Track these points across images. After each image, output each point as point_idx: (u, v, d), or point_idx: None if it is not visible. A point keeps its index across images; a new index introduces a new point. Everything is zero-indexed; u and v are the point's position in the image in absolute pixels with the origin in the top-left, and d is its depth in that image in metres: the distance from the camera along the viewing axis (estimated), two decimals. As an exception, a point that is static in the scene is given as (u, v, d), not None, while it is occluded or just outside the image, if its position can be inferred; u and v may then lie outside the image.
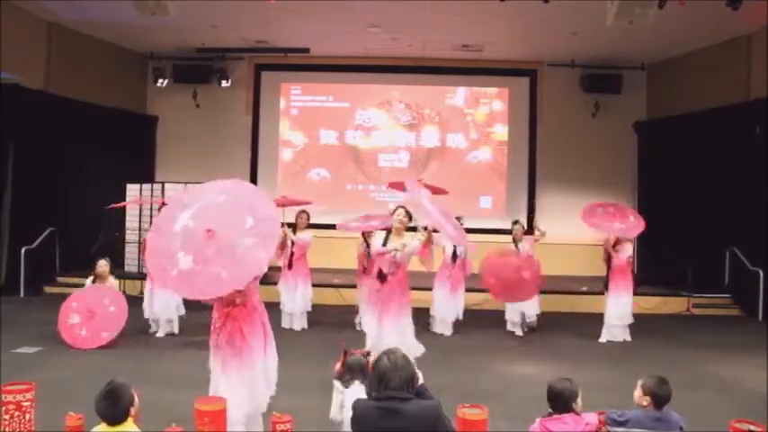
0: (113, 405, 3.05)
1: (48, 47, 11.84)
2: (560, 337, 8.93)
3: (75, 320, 7.75)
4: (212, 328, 4.53)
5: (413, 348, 6.13)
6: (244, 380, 4.38)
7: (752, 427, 3.90)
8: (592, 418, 3.50)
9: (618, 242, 8.86)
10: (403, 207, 6.56)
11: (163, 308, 8.51)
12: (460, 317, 9.18)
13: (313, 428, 4.82)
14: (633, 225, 8.65)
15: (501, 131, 14.60)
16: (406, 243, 6.21)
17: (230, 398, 4.26)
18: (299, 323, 9.17)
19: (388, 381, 2.92)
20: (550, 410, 3.48)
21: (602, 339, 8.81)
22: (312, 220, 9.48)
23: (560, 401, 3.45)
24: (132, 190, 12.30)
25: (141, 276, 11.59)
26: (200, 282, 3.84)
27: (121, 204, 10.61)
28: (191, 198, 4.34)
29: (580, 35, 11.86)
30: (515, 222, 9.48)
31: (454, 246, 8.97)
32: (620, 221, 8.54)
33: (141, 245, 11.22)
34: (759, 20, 10.11)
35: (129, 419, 3.12)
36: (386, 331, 6.11)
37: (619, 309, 8.76)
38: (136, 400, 3.16)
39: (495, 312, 9.72)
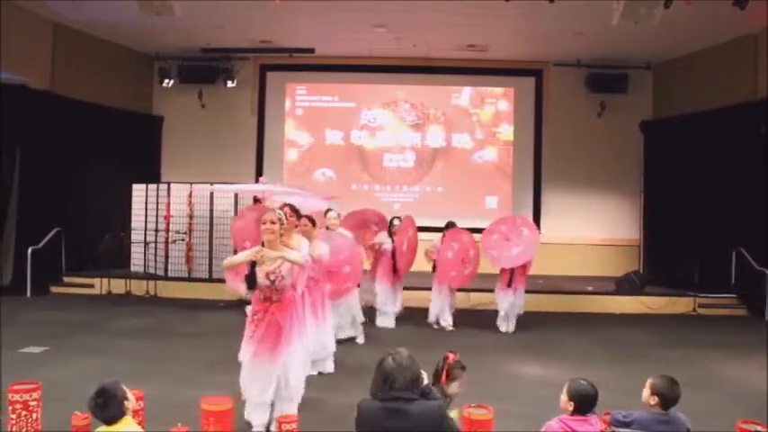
0: (105, 404, 3.06)
1: (53, 48, 11.87)
2: (565, 337, 8.90)
3: None
4: (250, 319, 4.80)
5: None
6: (273, 371, 4.68)
7: (758, 428, 3.89)
8: None
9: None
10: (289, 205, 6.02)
11: None
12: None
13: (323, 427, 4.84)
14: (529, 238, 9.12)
15: (506, 131, 14.58)
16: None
17: (255, 386, 4.68)
18: None
19: (393, 381, 2.92)
20: (572, 411, 3.44)
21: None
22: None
23: (588, 403, 3.42)
24: (138, 190, 12.34)
25: (147, 276, 11.66)
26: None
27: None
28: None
29: (586, 35, 11.83)
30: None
31: None
32: (516, 242, 9.05)
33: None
34: (765, 20, 10.07)
35: (128, 417, 3.13)
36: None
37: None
38: (130, 395, 3.16)
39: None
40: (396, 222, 9.43)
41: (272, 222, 4.68)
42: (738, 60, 11.55)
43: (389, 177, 14.68)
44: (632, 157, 13.95)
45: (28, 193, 11.22)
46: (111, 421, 3.08)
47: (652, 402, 3.58)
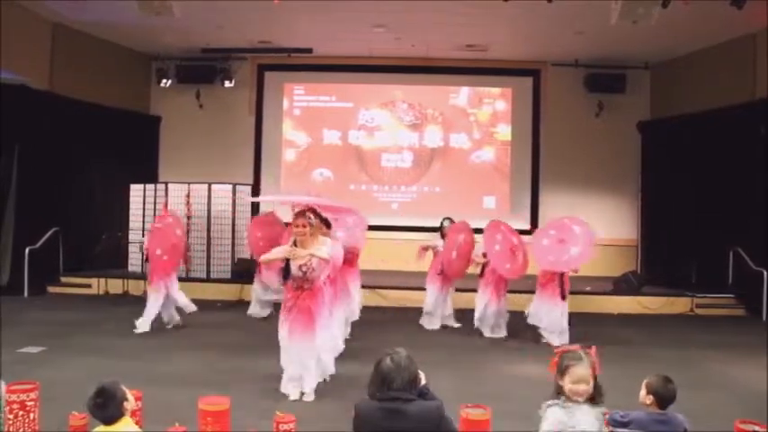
0: (105, 405, 3.05)
1: (52, 48, 11.85)
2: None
3: None
4: (284, 305, 5.85)
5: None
6: (307, 350, 5.73)
7: (756, 428, 3.89)
8: None
9: None
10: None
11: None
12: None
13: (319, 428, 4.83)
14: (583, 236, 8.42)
15: (504, 131, 14.58)
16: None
17: (291, 361, 5.74)
18: None
19: (391, 381, 2.91)
20: None
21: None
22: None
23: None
24: (136, 190, 12.32)
25: (144, 276, 11.62)
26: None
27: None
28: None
29: (584, 35, 11.83)
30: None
31: None
32: (572, 242, 8.26)
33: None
34: (763, 19, 10.08)
35: (127, 418, 3.12)
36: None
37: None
38: (129, 396, 3.16)
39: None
40: (445, 224, 9.40)
41: (304, 226, 5.70)
42: (737, 60, 11.56)
43: (387, 177, 14.66)
44: (630, 157, 13.96)
45: (26, 192, 11.23)
46: (109, 421, 3.07)
47: (648, 402, 3.58)
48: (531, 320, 8.56)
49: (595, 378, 3.12)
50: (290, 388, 5.78)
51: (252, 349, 7.79)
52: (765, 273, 10.58)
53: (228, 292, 11.25)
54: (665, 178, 12.99)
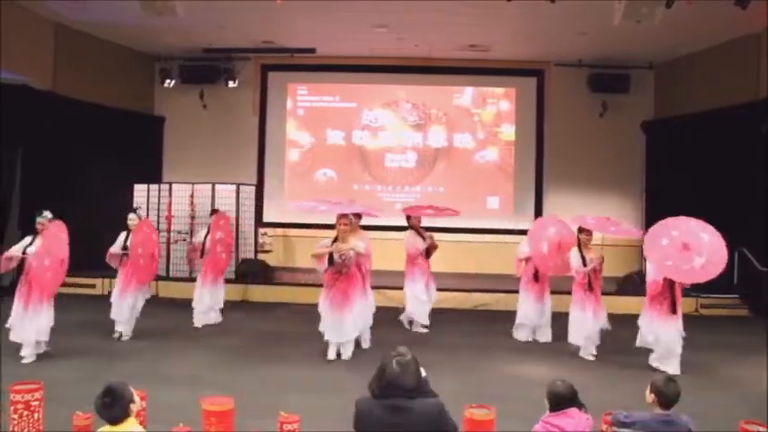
0: (112, 404, 3.05)
1: (55, 48, 11.87)
2: (567, 337, 8.87)
3: None
4: (325, 286, 7.45)
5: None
6: (342, 322, 7.31)
7: (761, 429, 3.89)
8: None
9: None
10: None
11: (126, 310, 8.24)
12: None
13: (322, 428, 4.83)
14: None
15: (508, 131, 14.57)
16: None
17: (329, 331, 7.33)
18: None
19: (398, 385, 2.89)
20: (548, 409, 3.48)
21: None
22: (318, 221, 9.48)
23: (559, 400, 3.44)
24: (140, 190, 12.33)
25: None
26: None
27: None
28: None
29: (587, 35, 11.82)
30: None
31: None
32: (697, 250, 7.12)
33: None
34: (767, 19, 10.05)
35: (132, 419, 3.12)
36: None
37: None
38: (136, 397, 3.16)
39: (501, 313, 9.70)
40: None
41: (345, 224, 7.35)
42: (740, 60, 11.54)
43: (391, 178, 14.66)
44: (634, 157, 13.94)
45: (30, 193, 11.22)
46: (114, 421, 3.07)
47: (651, 401, 3.58)
48: (639, 343, 7.50)
49: None
50: (330, 351, 7.33)
51: (255, 349, 7.80)
52: (770, 273, 10.55)
53: (232, 292, 11.23)
54: (670, 178, 12.94)
